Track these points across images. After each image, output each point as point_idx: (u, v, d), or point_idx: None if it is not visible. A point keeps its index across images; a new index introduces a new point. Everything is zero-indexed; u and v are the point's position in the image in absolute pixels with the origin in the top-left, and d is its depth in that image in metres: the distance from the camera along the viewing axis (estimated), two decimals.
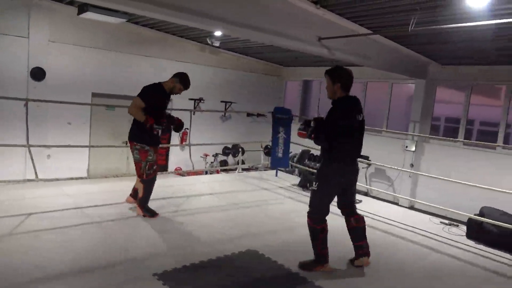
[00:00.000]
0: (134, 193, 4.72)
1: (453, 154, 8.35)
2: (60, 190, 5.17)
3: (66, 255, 3.38)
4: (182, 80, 4.46)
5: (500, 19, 4.74)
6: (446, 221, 5.16)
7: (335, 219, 3.70)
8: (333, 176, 3.37)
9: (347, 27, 6.29)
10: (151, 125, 4.21)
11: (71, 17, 8.04)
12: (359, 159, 3.61)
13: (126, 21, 7.15)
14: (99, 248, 3.58)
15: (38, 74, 7.94)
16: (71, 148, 7.76)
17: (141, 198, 4.44)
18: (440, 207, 5.10)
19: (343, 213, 3.61)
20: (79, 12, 6.22)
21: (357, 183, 3.69)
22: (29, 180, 4.86)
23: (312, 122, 3.45)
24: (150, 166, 4.35)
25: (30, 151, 4.37)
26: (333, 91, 3.36)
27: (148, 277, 3.11)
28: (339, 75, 3.32)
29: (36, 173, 4.47)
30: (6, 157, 7.55)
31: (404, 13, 5.53)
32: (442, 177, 5.74)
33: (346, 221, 3.59)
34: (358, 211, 3.67)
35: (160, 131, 4.41)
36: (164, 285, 3.01)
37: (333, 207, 3.52)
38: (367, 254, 3.57)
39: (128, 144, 4.48)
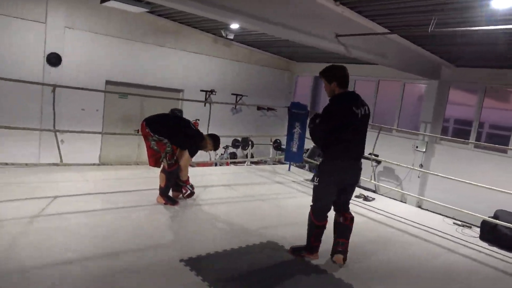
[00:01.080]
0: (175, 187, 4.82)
1: (464, 156, 8.40)
2: (79, 176, 5.26)
3: (93, 237, 3.48)
4: (215, 140, 4.74)
5: None
6: (459, 222, 5.23)
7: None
8: (332, 173, 3.35)
9: (365, 25, 6.32)
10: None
11: (88, 4, 8.07)
12: (365, 155, 3.65)
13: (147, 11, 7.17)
14: (125, 233, 3.67)
15: (54, 59, 7.99)
16: (84, 134, 7.83)
17: (162, 188, 4.53)
18: (453, 207, 5.17)
19: (334, 208, 3.55)
20: (102, 1, 6.24)
21: (366, 180, 3.74)
22: (52, 164, 4.93)
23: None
24: (170, 157, 4.44)
25: (56, 136, 4.44)
26: (331, 90, 3.36)
27: (175, 262, 3.20)
28: (334, 74, 3.34)
29: (61, 157, 4.54)
30: (21, 141, 7.62)
31: (424, 14, 5.55)
32: (453, 178, 5.78)
33: (335, 216, 3.56)
34: (363, 209, 3.74)
35: None
36: (191, 270, 3.10)
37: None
38: (343, 253, 3.49)
39: (140, 132, 4.49)
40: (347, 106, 3.25)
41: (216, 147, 4.75)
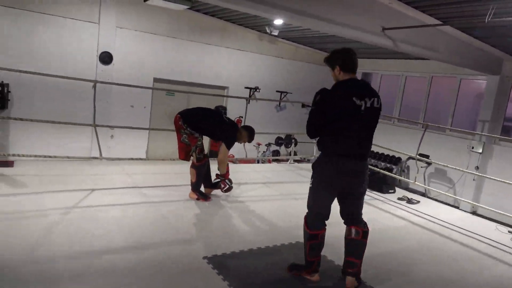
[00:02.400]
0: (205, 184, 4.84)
1: None
2: (121, 169, 5.46)
3: (123, 230, 3.57)
4: (250, 133, 4.69)
5: None
6: None
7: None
8: (327, 173, 2.85)
9: (414, 17, 5.94)
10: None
11: (136, 4, 8.37)
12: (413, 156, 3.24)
13: (188, 8, 7.28)
14: (153, 227, 3.73)
15: (106, 58, 8.39)
16: (132, 130, 8.14)
17: (194, 183, 4.56)
18: (510, 215, 4.70)
19: (343, 220, 3.03)
20: None
21: (411, 181, 3.36)
22: (93, 158, 5.16)
23: None
24: (199, 151, 4.45)
25: (96, 131, 4.63)
26: (335, 77, 2.89)
27: (198, 259, 3.19)
28: (336, 57, 2.87)
29: (100, 151, 4.74)
30: (75, 135, 8.10)
31: (481, 2, 5.09)
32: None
33: (345, 230, 3.02)
34: (404, 212, 3.38)
35: None
36: (214, 269, 3.07)
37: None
38: (356, 275, 2.97)
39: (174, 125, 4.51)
40: (346, 94, 2.74)
41: (251, 138, 4.69)
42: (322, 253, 3.07)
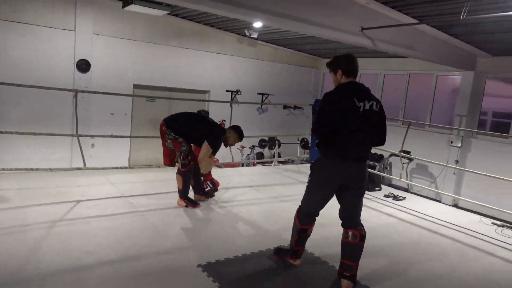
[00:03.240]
0: (196, 189, 4.78)
1: (503, 151, 7.89)
2: (104, 179, 5.34)
3: (112, 241, 3.48)
4: (238, 133, 4.58)
5: None
6: (499, 222, 4.88)
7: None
8: (324, 173, 2.94)
9: (391, 17, 6.07)
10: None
11: (114, 10, 8.23)
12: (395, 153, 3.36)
13: (167, 13, 7.23)
14: (143, 237, 3.66)
15: (83, 66, 8.22)
16: (113, 138, 7.99)
17: (181, 190, 4.50)
18: (491, 206, 4.83)
19: (341, 223, 3.08)
20: (124, 5, 6.34)
21: (396, 178, 3.46)
22: (76, 169, 5.04)
23: None
24: (184, 156, 4.37)
25: (78, 140, 4.52)
26: (337, 81, 3.03)
27: (193, 268, 3.14)
28: (339, 62, 3.01)
29: (84, 162, 4.63)
30: (54, 145, 7.90)
31: (454, 1, 5.24)
32: (490, 174, 5.40)
33: (343, 232, 3.05)
34: (393, 210, 3.46)
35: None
36: (209, 277, 3.03)
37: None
38: (351, 278, 2.98)
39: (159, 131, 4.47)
40: (348, 96, 2.85)
41: (241, 136, 4.57)
42: (317, 254, 3.07)
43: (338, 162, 2.88)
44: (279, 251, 3.42)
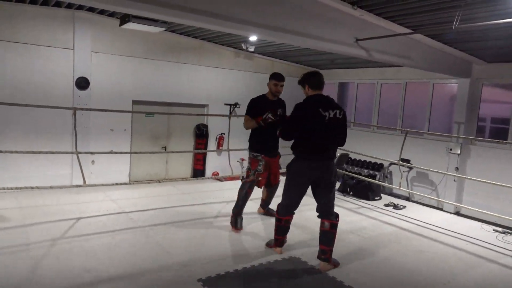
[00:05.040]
0: (263, 203, 5.00)
1: (502, 157, 7.90)
2: (104, 195, 5.36)
3: (113, 258, 3.48)
4: (271, 76, 4.58)
5: None
6: (500, 229, 4.86)
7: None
8: (298, 171, 3.51)
9: (385, 27, 6.14)
10: (261, 121, 4.38)
11: (112, 28, 8.34)
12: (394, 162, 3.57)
13: (164, 30, 7.33)
14: (144, 252, 3.66)
15: (82, 83, 8.28)
16: (113, 154, 8.02)
17: (235, 205, 4.55)
18: (492, 213, 4.83)
19: (318, 216, 3.62)
20: (121, 23, 6.44)
21: (395, 187, 3.57)
22: (75, 186, 5.05)
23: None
24: (257, 175, 4.39)
25: (78, 158, 4.55)
26: (306, 93, 3.60)
27: (193, 283, 3.14)
28: (306, 78, 3.59)
29: (84, 179, 4.65)
30: (54, 162, 7.92)
31: (447, 10, 5.31)
32: (490, 181, 5.40)
33: (320, 222, 3.59)
34: (393, 219, 3.59)
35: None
36: None
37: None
38: (327, 260, 3.52)
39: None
40: (314, 107, 3.42)
41: (274, 77, 4.52)
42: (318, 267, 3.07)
43: (308, 162, 3.47)
44: (269, 243, 3.96)
